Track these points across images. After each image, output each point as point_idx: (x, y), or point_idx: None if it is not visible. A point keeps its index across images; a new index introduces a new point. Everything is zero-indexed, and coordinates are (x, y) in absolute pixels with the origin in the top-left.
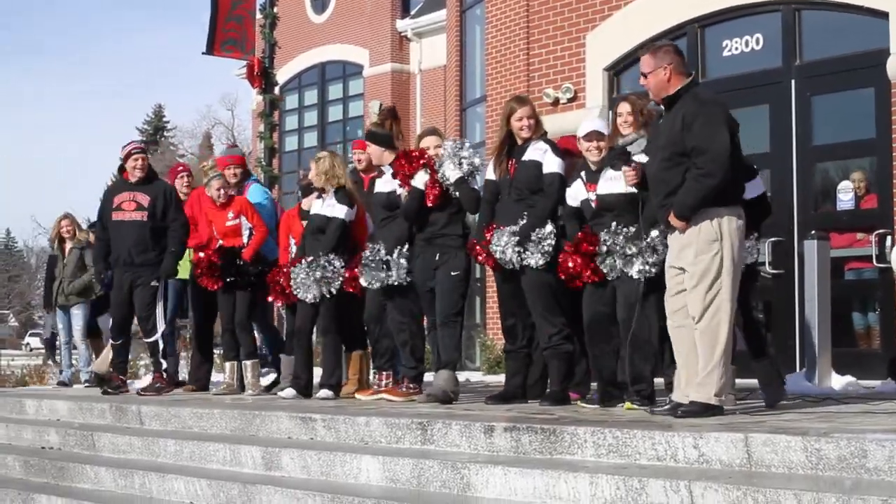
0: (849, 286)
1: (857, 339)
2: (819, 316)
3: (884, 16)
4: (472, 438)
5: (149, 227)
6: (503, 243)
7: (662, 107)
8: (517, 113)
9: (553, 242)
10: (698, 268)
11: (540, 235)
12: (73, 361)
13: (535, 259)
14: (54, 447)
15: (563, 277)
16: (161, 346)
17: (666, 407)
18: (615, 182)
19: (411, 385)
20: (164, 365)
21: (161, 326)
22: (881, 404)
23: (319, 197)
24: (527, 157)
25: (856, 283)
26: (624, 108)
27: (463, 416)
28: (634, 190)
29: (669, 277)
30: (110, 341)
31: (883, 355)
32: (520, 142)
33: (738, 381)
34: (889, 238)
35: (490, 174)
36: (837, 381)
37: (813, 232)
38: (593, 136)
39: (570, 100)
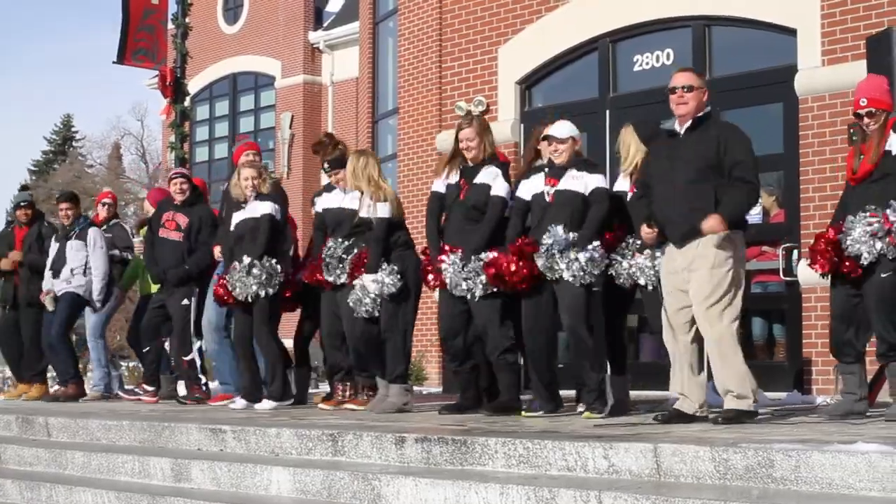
0: (755, 299)
1: (764, 352)
2: None
3: (792, 32)
4: (383, 450)
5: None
6: (461, 279)
7: (676, 128)
8: (461, 133)
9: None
10: (713, 280)
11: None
12: None
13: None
14: None
15: (492, 274)
16: (198, 362)
17: (668, 413)
18: (577, 181)
19: (370, 392)
20: (204, 379)
21: (195, 343)
22: (787, 415)
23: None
24: (478, 179)
25: (762, 296)
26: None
27: (374, 428)
28: (584, 192)
29: (673, 292)
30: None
31: (789, 367)
32: (469, 162)
33: (650, 393)
34: (796, 252)
35: (438, 186)
36: None
37: None
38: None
39: (483, 113)
